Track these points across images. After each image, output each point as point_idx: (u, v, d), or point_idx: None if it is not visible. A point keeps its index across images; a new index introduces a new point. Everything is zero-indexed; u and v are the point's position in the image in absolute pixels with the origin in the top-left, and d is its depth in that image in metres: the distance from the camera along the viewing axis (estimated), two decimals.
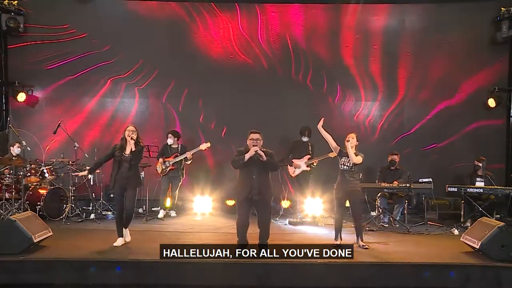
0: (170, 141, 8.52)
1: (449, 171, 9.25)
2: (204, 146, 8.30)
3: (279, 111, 9.37)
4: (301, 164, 8.16)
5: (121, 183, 5.96)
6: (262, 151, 5.64)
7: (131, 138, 5.92)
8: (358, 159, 6.06)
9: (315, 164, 8.17)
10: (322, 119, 6.18)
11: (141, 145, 6.06)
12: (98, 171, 8.38)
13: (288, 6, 9.54)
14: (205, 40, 9.49)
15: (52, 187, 7.96)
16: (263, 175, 5.71)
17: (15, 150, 7.92)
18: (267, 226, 5.80)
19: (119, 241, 6.03)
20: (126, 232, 6.12)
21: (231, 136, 9.37)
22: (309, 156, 8.18)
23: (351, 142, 6.05)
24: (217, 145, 9.35)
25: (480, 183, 8.09)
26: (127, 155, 5.93)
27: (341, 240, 6.17)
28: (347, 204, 6.25)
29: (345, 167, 6.12)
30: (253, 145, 5.63)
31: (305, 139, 8.31)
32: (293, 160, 8.23)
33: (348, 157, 6.09)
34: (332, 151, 7.67)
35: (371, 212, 8.50)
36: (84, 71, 9.34)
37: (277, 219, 8.21)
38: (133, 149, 5.93)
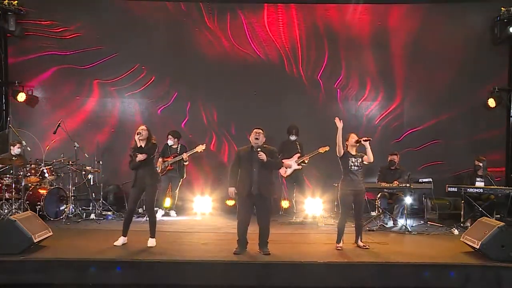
0: (170, 142, 8.54)
1: (449, 171, 9.24)
2: (199, 148, 8.34)
3: (277, 111, 9.35)
4: (292, 164, 8.15)
5: (140, 184, 6.00)
6: (264, 147, 5.76)
7: (138, 135, 5.93)
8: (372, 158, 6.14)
9: (306, 161, 8.16)
10: (339, 120, 6.10)
11: (152, 142, 6.04)
12: (98, 170, 8.43)
13: (288, 6, 9.52)
14: (204, 40, 9.47)
15: (52, 187, 7.96)
16: (264, 172, 5.76)
17: (16, 150, 7.92)
18: (266, 223, 5.83)
19: (121, 240, 6.02)
20: (152, 241, 6.05)
21: (231, 136, 9.43)
22: (298, 154, 8.17)
23: (351, 140, 6.11)
24: (216, 145, 9.39)
25: (480, 183, 8.09)
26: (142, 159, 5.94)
27: (343, 243, 6.17)
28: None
29: (354, 167, 6.12)
30: (255, 138, 5.77)
31: (293, 137, 8.30)
32: (283, 161, 8.21)
33: (356, 158, 6.13)
34: (322, 147, 7.74)
35: (371, 212, 8.50)
36: (83, 69, 9.34)
37: (277, 219, 8.21)
38: (142, 146, 5.95)
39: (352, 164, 6.14)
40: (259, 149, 5.70)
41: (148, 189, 6.02)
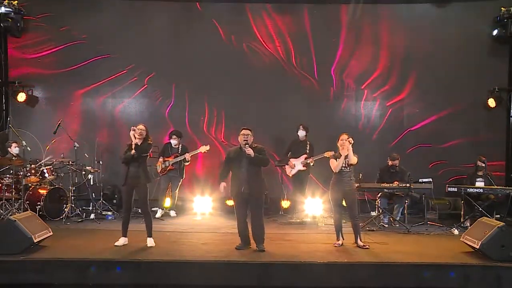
0: (174, 142, 8.53)
1: (449, 171, 9.24)
2: (203, 148, 8.35)
3: (279, 110, 9.37)
4: (297, 164, 8.15)
5: (131, 182, 6.00)
6: (253, 147, 5.91)
7: (134, 136, 5.95)
8: (355, 160, 6.13)
9: (312, 163, 8.15)
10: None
11: (148, 143, 6.07)
12: (99, 170, 8.43)
13: (288, 5, 9.54)
14: (204, 39, 9.48)
15: (52, 187, 7.96)
16: (253, 170, 5.91)
17: (13, 150, 7.92)
18: (259, 221, 5.95)
19: (121, 241, 6.03)
20: (150, 240, 6.06)
21: (231, 137, 9.45)
22: (306, 155, 8.17)
23: (345, 143, 6.10)
24: (217, 145, 9.39)
25: (480, 183, 8.08)
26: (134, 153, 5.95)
27: (343, 239, 6.25)
28: (344, 203, 6.30)
29: (342, 168, 6.15)
30: (244, 140, 5.90)
31: (301, 133, 8.25)
32: (289, 160, 8.25)
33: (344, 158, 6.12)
34: (328, 151, 7.74)
35: (371, 212, 8.49)
36: (83, 69, 9.34)
37: (277, 219, 8.20)
38: (138, 144, 5.96)
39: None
40: (246, 145, 5.85)
41: (140, 187, 6.02)
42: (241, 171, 5.88)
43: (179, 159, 8.38)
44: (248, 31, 9.50)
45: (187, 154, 8.35)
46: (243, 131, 5.97)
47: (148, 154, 6.27)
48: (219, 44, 9.49)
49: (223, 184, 6.08)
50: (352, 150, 6.10)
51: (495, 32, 9.09)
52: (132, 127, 6.05)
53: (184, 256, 5.65)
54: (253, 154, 5.82)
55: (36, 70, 9.38)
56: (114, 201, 8.91)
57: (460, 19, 9.44)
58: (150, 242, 6.04)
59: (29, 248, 5.56)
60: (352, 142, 6.11)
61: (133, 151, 5.91)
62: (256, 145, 6.02)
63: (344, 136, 6.18)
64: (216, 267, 5.36)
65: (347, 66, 9.54)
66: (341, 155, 6.14)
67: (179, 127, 9.08)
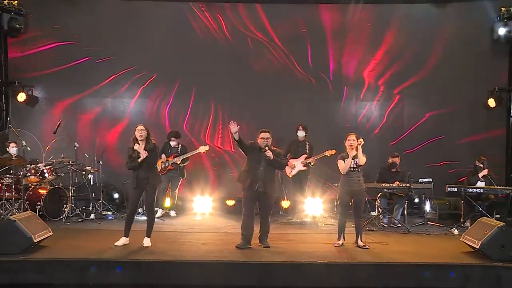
0: (173, 142, 8.53)
1: (449, 171, 9.23)
2: (202, 149, 8.37)
3: (278, 110, 9.38)
4: (297, 164, 8.15)
5: (142, 185, 5.98)
6: (272, 150, 5.98)
7: (140, 138, 5.91)
8: (364, 160, 6.13)
9: (312, 163, 8.15)
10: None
11: (152, 143, 6.03)
12: (99, 170, 8.43)
13: (289, 5, 9.54)
14: (202, 40, 9.47)
15: (52, 187, 7.96)
16: (269, 171, 6.04)
17: (11, 150, 7.91)
18: (268, 218, 6.12)
19: (122, 241, 6.01)
20: (147, 240, 6.03)
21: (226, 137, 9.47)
22: (305, 155, 8.17)
23: (353, 144, 6.08)
24: (217, 145, 9.39)
25: (480, 183, 8.08)
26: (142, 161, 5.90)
27: (344, 240, 6.25)
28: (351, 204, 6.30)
29: (350, 168, 6.14)
30: (264, 143, 5.97)
31: (300, 134, 8.25)
32: (289, 160, 8.23)
33: (352, 159, 6.11)
34: (329, 150, 7.76)
35: (371, 212, 8.49)
36: (82, 69, 9.33)
37: (277, 219, 8.21)
38: (145, 148, 5.92)
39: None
40: (266, 147, 5.93)
41: (149, 189, 6.01)
42: (258, 170, 5.94)
43: (175, 160, 8.38)
44: (246, 31, 9.48)
45: (177, 158, 8.34)
46: (262, 134, 6.02)
47: (157, 155, 6.23)
48: (218, 45, 9.48)
49: (238, 127, 5.79)
50: (362, 150, 6.08)
51: (500, 31, 9.06)
52: (137, 131, 5.93)
53: (184, 256, 5.65)
54: (272, 157, 5.91)
55: (36, 70, 9.36)
56: (116, 200, 8.92)
57: (460, 19, 9.43)
58: (146, 242, 6.02)
59: (29, 248, 5.55)
60: (363, 142, 6.08)
61: (143, 154, 5.84)
62: (275, 148, 6.11)
63: (352, 137, 6.16)
64: (216, 267, 5.35)
65: (344, 65, 9.54)
66: (349, 156, 6.13)
67: (179, 128, 9.07)
